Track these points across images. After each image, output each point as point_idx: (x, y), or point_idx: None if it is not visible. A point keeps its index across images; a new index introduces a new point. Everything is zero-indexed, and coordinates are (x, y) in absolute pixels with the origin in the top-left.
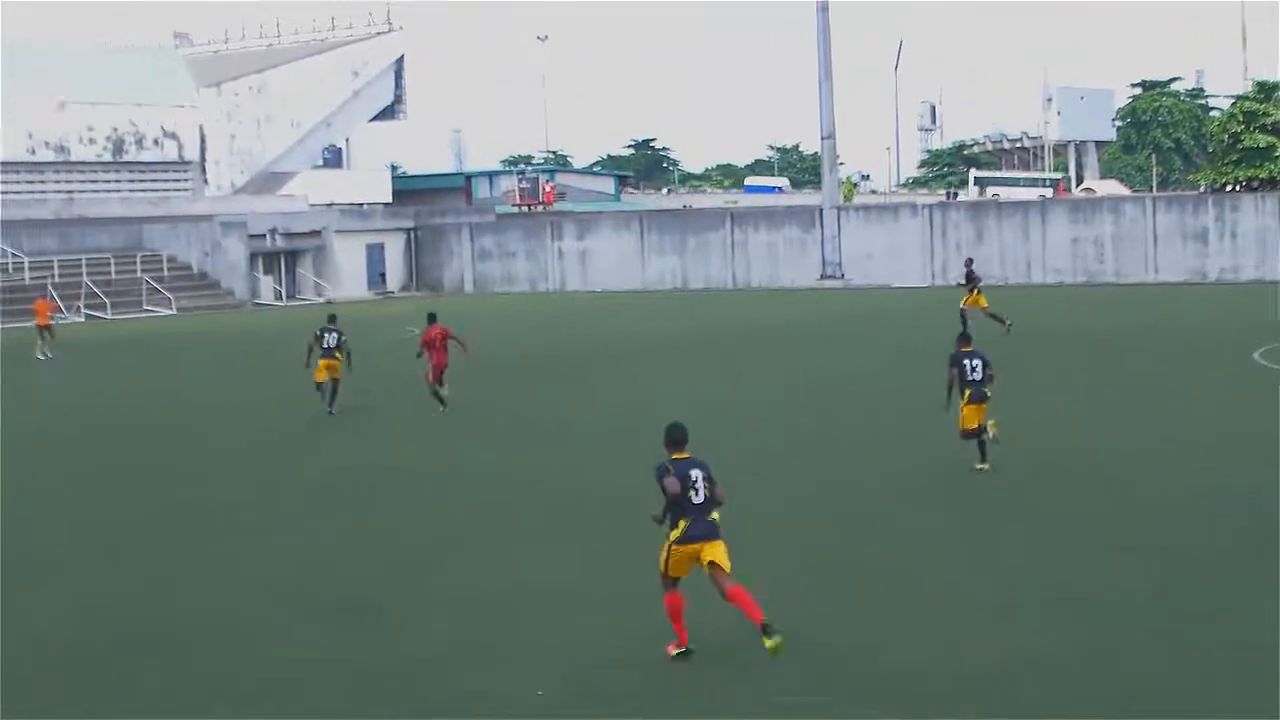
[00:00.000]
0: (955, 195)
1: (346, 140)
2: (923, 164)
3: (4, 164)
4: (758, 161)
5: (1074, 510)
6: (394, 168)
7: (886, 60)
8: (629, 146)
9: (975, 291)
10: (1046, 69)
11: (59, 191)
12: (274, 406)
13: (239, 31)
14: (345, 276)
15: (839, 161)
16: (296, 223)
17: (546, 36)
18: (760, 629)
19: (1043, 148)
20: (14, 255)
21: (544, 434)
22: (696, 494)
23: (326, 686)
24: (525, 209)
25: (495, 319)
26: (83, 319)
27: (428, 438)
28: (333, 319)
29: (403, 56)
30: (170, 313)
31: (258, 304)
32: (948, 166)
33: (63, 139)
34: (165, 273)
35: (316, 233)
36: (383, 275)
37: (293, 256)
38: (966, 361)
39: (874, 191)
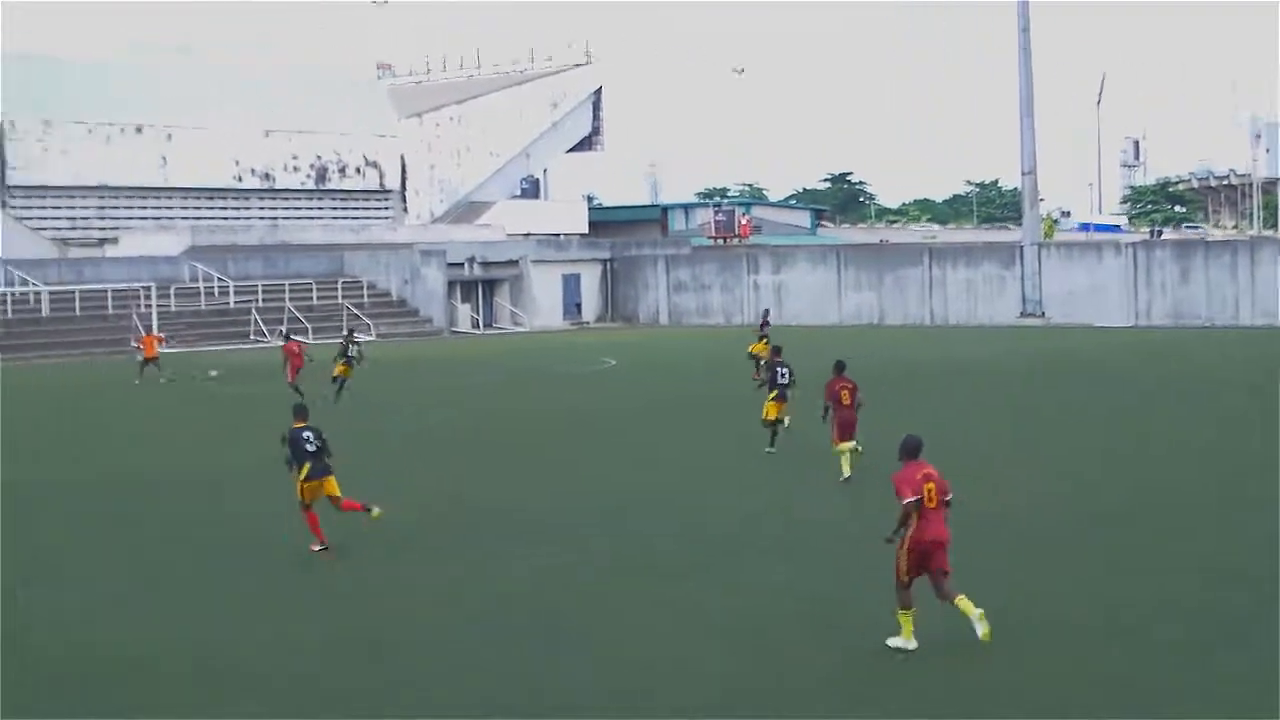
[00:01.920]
0: (1159, 233)
1: (544, 171)
2: (1125, 200)
3: (212, 190)
4: (955, 197)
5: None
6: (590, 199)
7: (1089, 94)
8: (825, 180)
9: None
10: (1256, 105)
11: (264, 218)
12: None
13: (440, 63)
14: (541, 306)
15: (1040, 198)
16: (494, 252)
17: (743, 70)
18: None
19: (1251, 185)
20: (220, 279)
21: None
22: (311, 445)
23: None
24: (721, 242)
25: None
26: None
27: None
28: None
29: (600, 88)
30: (370, 338)
31: (454, 331)
32: (1151, 203)
33: (268, 166)
34: (365, 299)
35: (514, 262)
36: (578, 305)
37: (490, 285)
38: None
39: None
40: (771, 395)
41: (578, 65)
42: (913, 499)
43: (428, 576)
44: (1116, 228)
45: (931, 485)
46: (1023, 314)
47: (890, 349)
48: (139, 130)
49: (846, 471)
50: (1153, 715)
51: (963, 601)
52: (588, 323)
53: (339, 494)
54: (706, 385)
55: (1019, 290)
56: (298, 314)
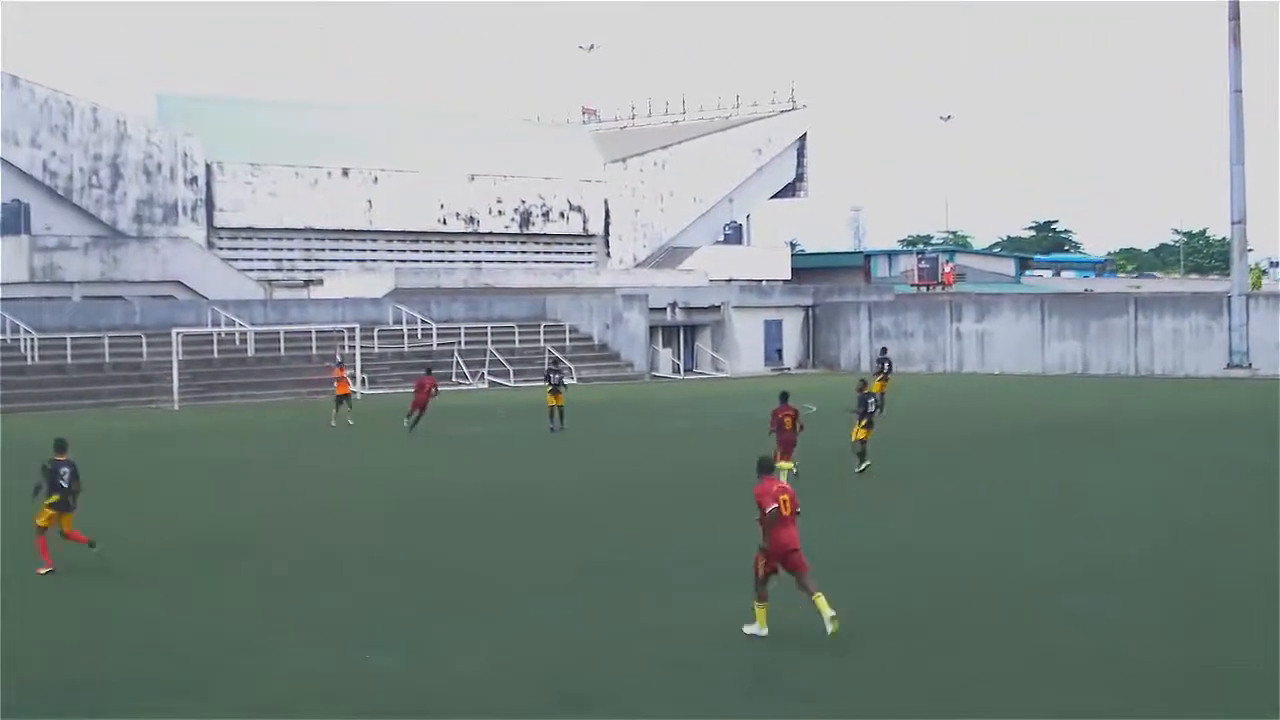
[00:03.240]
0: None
1: (747, 216)
2: None
3: (417, 233)
4: (1162, 246)
5: None
6: (793, 245)
7: None
8: (1029, 228)
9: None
10: None
11: (467, 261)
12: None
13: (645, 108)
14: (743, 352)
15: (1248, 248)
16: (696, 297)
17: (950, 116)
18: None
19: None
20: (423, 322)
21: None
22: (64, 480)
23: None
24: (924, 289)
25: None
26: (486, 385)
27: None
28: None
29: (805, 134)
30: (571, 382)
31: (655, 376)
32: None
33: (472, 210)
34: (567, 343)
35: (715, 308)
36: (779, 351)
37: (691, 330)
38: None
39: None
40: (862, 423)
41: (782, 111)
42: (773, 507)
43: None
44: (1105, 259)
45: (786, 497)
46: (1229, 365)
47: (1091, 402)
48: (345, 173)
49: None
50: None
51: (819, 600)
52: (789, 369)
53: (71, 529)
54: (897, 430)
55: (1225, 341)
56: (500, 357)
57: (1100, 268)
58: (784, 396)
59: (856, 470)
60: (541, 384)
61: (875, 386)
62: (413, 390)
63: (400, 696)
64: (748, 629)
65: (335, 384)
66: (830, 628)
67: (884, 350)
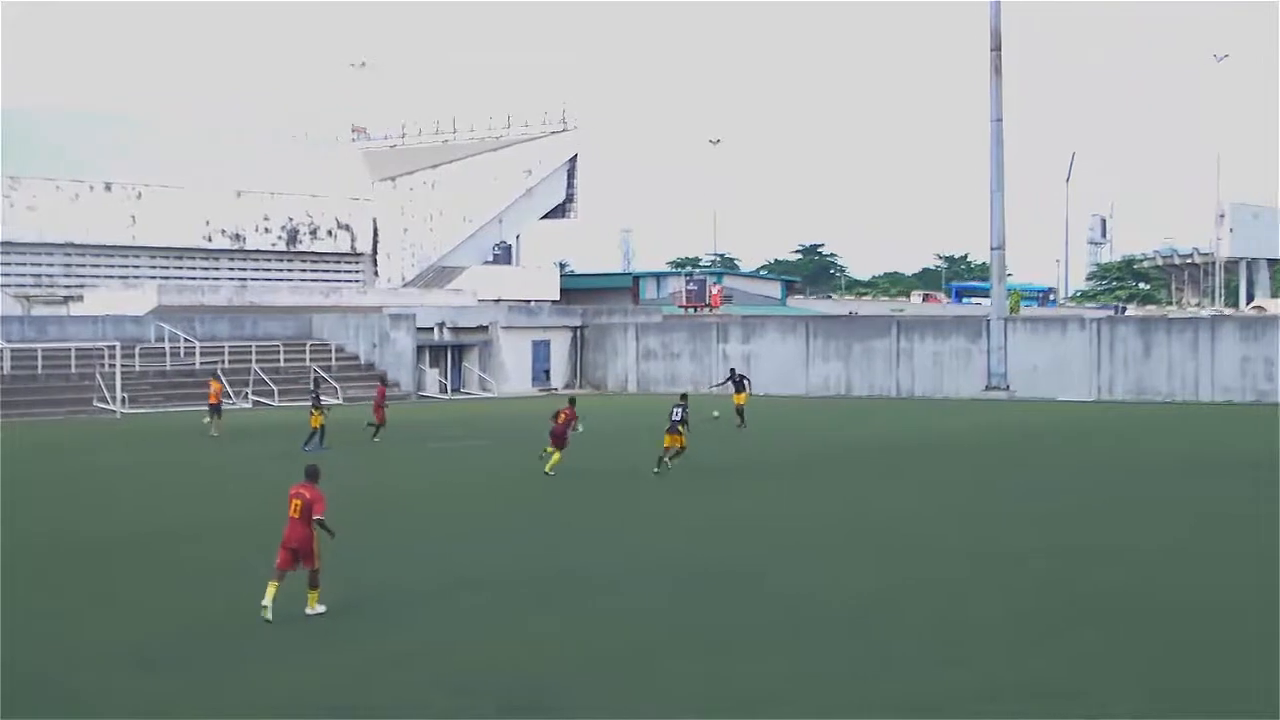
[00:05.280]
0: (1123, 310)
1: (517, 237)
2: (1090, 277)
3: (181, 250)
4: (925, 270)
5: None
6: (562, 266)
7: (1059, 172)
8: (797, 251)
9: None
10: (1220, 185)
11: (233, 278)
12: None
13: (416, 127)
14: (510, 372)
15: (1007, 273)
16: (464, 317)
17: (719, 140)
18: None
19: (1214, 264)
20: (186, 340)
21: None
22: None
23: None
24: (691, 310)
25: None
26: (250, 405)
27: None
28: None
29: (575, 156)
30: (336, 402)
31: (422, 396)
32: (1116, 280)
33: (239, 227)
34: (334, 362)
35: (483, 328)
36: (547, 372)
37: (459, 350)
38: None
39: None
40: (669, 430)
41: (553, 133)
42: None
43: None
44: (1049, 289)
45: (299, 502)
46: (988, 387)
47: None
48: (108, 188)
49: (548, 468)
50: None
51: (312, 593)
52: (556, 389)
53: None
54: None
55: (984, 364)
56: (264, 376)
57: (1044, 296)
58: (572, 401)
59: (654, 470)
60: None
61: (738, 399)
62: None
63: None
64: (265, 601)
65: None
66: (310, 610)
67: (733, 370)
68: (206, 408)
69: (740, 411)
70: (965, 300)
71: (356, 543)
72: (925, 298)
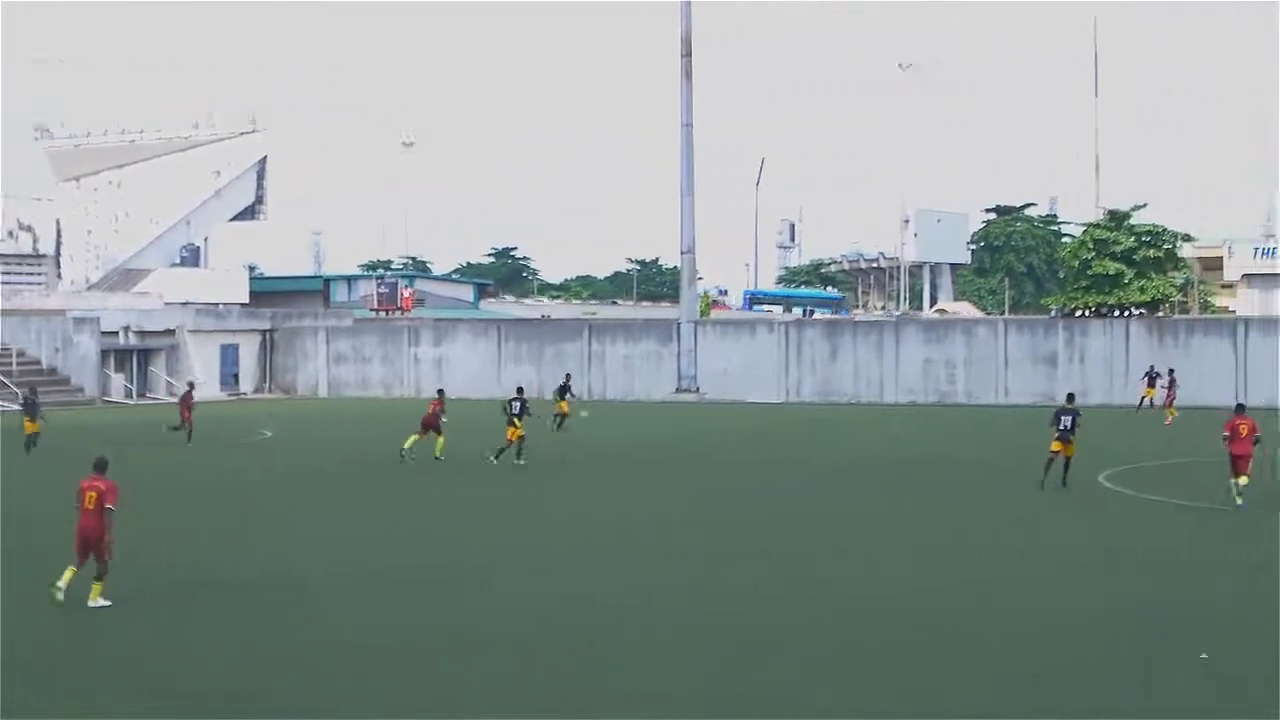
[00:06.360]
0: (811, 313)
1: (205, 239)
2: (780, 280)
3: None
4: (617, 274)
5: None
6: (252, 268)
7: (748, 177)
8: (489, 255)
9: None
10: (905, 191)
11: None
12: None
13: (101, 127)
14: (198, 376)
15: (698, 276)
16: (151, 321)
17: (412, 142)
18: None
19: (899, 268)
20: None
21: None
22: None
23: None
24: (383, 314)
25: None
26: None
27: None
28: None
29: (265, 157)
30: (16, 408)
31: (107, 401)
32: (805, 284)
33: None
34: (14, 366)
35: (170, 331)
36: (236, 376)
37: (145, 355)
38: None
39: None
40: (511, 423)
41: (243, 133)
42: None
43: None
44: (788, 295)
45: (94, 494)
46: (678, 390)
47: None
48: None
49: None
50: None
51: (96, 585)
52: (245, 393)
53: None
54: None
55: (675, 366)
56: None
57: (836, 305)
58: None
59: (493, 459)
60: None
61: (560, 406)
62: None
63: None
64: (60, 583)
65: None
66: (92, 604)
67: (568, 376)
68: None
69: (560, 417)
70: (757, 309)
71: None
72: (713, 305)
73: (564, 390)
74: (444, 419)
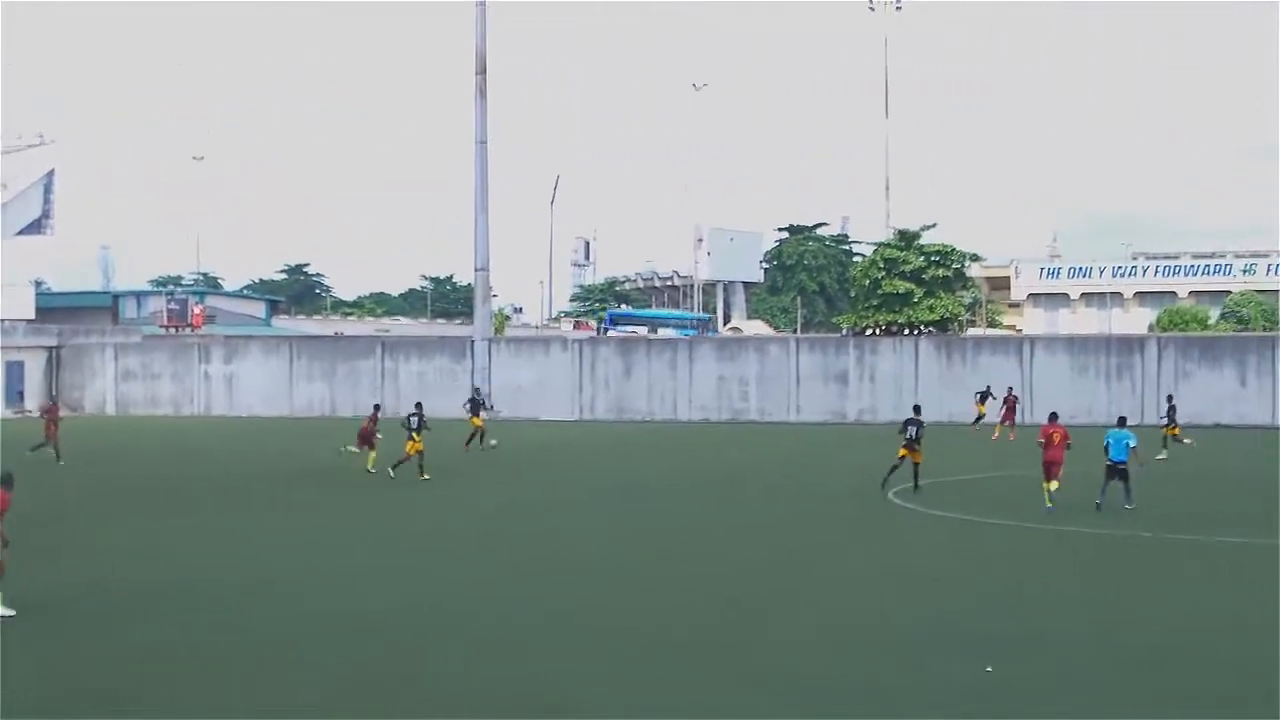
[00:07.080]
0: (607, 330)
1: None
2: (574, 298)
3: None
4: (411, 291)
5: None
6: (38, 284)
7: (544, 194)
8: (281, 271)
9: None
10: (698, 209)
11: None
12: None
13: None
14: None
15: (492, 294)
16: None
17: (203, 157)
18: None
19: (693, 286)
20: None
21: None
22: None
23: None
24: (173, 330)
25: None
26: None
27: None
28: None
29: (53, 171)
30: None
31: None
32: (599, 302)
33: None
34: None
35: None
36: (20, 394)
37: None
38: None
39: (528, 324)
40: (410, 437)
41: (30, 146)
42: None
43: None
44: (653, 315)
45: None
46: None
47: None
48: None
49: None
50: None
51: None
52: (31, 411)
53: None
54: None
55: (469, 383)
56: None
57: (703, 325)
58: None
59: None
60: None
61: (475, 422)
62: None
63: None
64: None
65: None
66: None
67: (477, 390)
68: None
69: (479, 434)
70: (620, 328)
71: None
72: (576, 324)
73: (476, 405)
74: (378, 435)
